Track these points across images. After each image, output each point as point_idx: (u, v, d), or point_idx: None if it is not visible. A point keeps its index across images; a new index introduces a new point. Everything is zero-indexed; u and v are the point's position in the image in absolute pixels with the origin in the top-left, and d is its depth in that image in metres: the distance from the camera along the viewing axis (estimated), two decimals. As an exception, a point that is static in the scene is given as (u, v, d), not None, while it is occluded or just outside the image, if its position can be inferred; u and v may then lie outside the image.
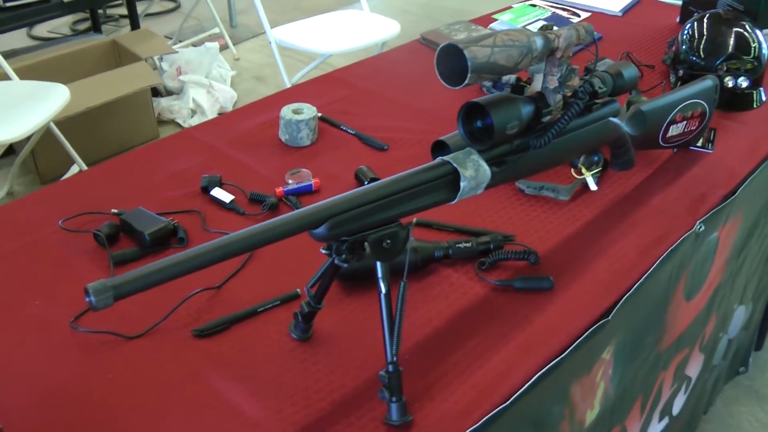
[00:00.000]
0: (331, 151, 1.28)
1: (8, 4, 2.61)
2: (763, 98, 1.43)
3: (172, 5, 4.59)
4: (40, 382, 0.83)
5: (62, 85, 2.32)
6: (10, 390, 0.81)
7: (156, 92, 3.27)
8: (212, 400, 0.80)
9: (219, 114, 3.21)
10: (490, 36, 0.75)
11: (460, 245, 0.99)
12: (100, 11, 4.04)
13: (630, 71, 0.97)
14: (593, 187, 1.12)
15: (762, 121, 1.38)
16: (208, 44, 3.47)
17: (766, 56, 1.41)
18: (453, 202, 0.81)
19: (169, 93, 3.35)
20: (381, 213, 0.74)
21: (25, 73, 2.60)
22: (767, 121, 1.38)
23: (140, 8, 3.85)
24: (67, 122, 2.55)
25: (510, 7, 1.93)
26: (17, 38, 3.79)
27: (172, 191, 1.16)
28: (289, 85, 2.68)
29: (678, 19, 1.84)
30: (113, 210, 1.09)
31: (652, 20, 1.86)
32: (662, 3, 1.99)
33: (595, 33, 1.72)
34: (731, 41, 1.39)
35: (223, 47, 3.87)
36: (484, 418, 0.77)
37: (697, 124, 1.20)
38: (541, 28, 0.83)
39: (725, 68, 1.38)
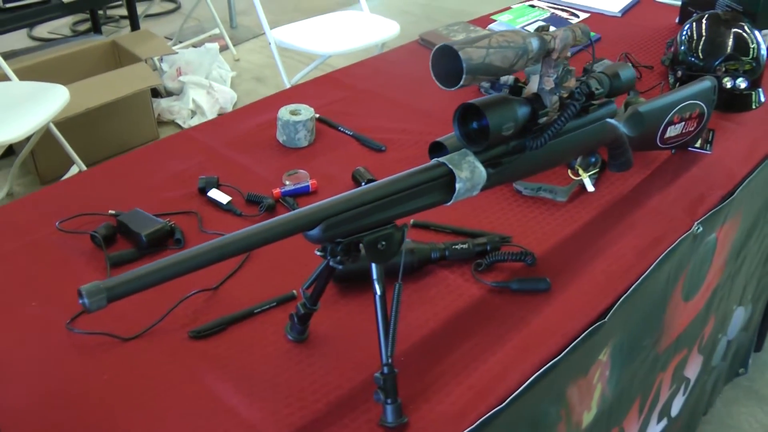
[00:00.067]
0: (329, 152, 1.28)
1: (8, 5, 2.61)
2: (762, 99, 1.42)
3: (172, 6, 4.59)
4: (37, 382, 0.83)
5: (62, 86, 2.32)
6: (7, 391, 0.81)
7: (156, 93, 3.27)
8: (208, 401, 0.80)
9: (219, 115, 3.21)
10: (486, 37, 0.75)
11: (456, 246, 0.99)
12: (100, 12, 4.04)
13: (627, 72, 0.97)
14: (590, 188, 1.11)
15: (760, 122, 1.38)
16: (208, 45, 3.47)
17: (764, 57, 1.41)
18: (448, 204, 0.81)
19: (169, 94, 3.35)
20: (376, 215, 0.73)
21: (24, 74, 2.60)
22: (766, 122, 1.38)
23: (140, 9, 3.85)
24: (66, 123, 2.56)
25: (509, 8, 1.93)
26: (18, 39, 3.79)
27: (169, 192, 1.16)
28: (288, 86, 2.68)
29: (677, 20, 1.84)
30: (110, 211, 1.09)
31: (651, 21, 1.86)
32: (661, 3, 1.99)
33: (593, 34, 1.72)
34: (730, 42, 1.39)
35: (223, 48, 3.87)
36: (480, 420, 0.77)
37: (695, 125, 1.20)
38: (537, 30, 0.83)
39: (724, 69, 1.38)
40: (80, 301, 0.58)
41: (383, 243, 0.74)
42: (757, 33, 1.41)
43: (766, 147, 1.30)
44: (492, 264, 0.99)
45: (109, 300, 0.59)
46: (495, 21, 1.84)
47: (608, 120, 1.01)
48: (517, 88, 0.90)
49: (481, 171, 0.81)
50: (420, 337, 0.89)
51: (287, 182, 1.16)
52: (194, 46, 3.68)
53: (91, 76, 2.83)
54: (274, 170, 1.21)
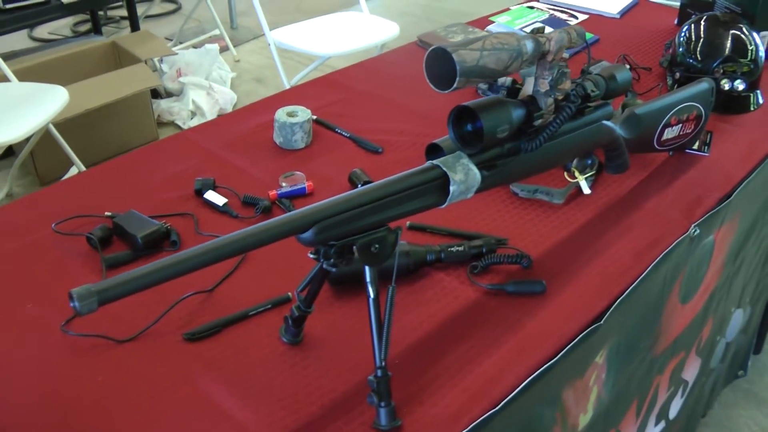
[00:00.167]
0: (326, 153, 1.28)
1: (8, 6, 2.61)
2: (761, 101, 1.42)
3: (172, 7, 4.59)
4: (32, 384, 0.83)
5: (61, 87, 2.32)
6: (2, 392, 0.81)
7: (156, 94, 3.27)
8: (202, 403, 0.80)
9: (219, 116, 3.21)
10: (480, 39, 0.75)
11: (452, 249, 0.98)
12: (101, 13, 4.05)
13: (623, 74, 0.97)
14: (586, 190, 1.11)
15: (759, 124, 1.37)
16: (208, 46, 3.48)
17: (762, 59, 1.41)
18: (443, 206, 0.81)
19: (169, 95, 3.35)
20: (369, 217, 0.73)
21: (24, 75, 2.60)
22: (764, 123, 1.38)
23: (140, 10, 3.85)
24: (66, 124, 2.56)
25: (508, 9, 1.93)
26: (18, 40, 3.80)
27: (166, 194, 1.16)
28: (288, 87, 2.68)
29: (676, 21, 1.83)
30: (107, 213, 1.09)
31: (649, 22, 1.86)
32: (660, 5, 1.99)
33: (591, 35, 1.72)
34: (728, 44, 1.39)
35: (224, 49, 3.87)
36: (474, 423, 0.77)
37: (692, 127, 1.20)
38: (532, 32, 0.83)
39: (722, 71, 1.37)
40: (71, 305, 0.58)
41: (377, 246, 0.74)
42: (755, 35, 1.41)
43: (764, 149, 1.30)
44: (488, 266, 0.99)
45: (100, 303, 0.59)
46: (493, 22, 1.84)
47: (604, 122, 1.01)
48: (514, 90, 0.90)
49: (476, 173, 0.81)
50: (415, 339, 0.89)
51: (284, 184, 1.16)
52: (194, 46, 3.68)
53: (91, 76, 2.83)
54: (270, 172, 1.21)
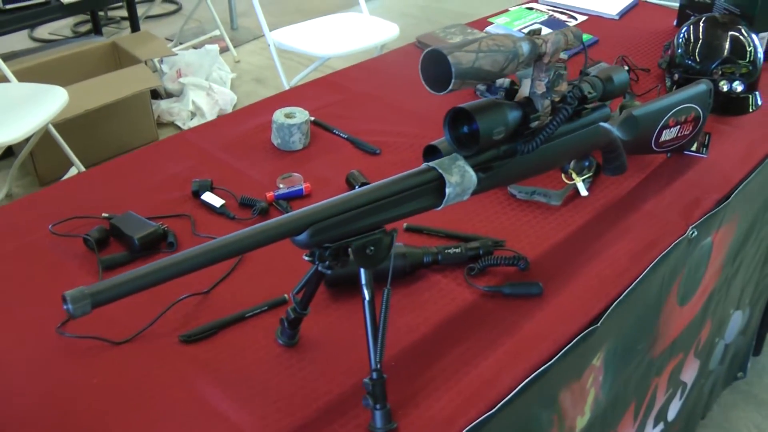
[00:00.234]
0: (324, 155, 1.28)
1: (8, 6, 2.61)
2: (759, 102, 1.42)
3: (173, 7, 4.60)
4: (28, 386, 0.82)
5: (60, 88, 2.32)
6: (-4, 394, 0.81)
7: (156, 94, 3.27)
8: (198, 405, 0.80)
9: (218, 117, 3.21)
10: (475, 41, 0.75)
11: (449, 251, 0.98)
12: (101, 13, 4.05)
13: (620, 76, 0.97)
14: (583, 192, 1.11)
15: (757, 126, 1.37)
16: (208, 47, 3.48)
17: (761, 60, 1.41)
18: (438, 209, 0.81)
19: (169, 95, 3.35)
20: (364, 220, 0.73)
21: (24, 75, 2.60)
22: (762, 125, 1.38)
23: (141, 10, 3.86)
24: (66, 124, 2.56)
25: (507, 10, 1.93)
26: (18, 40, 3.80)
27: (163, 195, 1.16)
28: (287, 88, 2.68)
29: (675, 23, 1.83)
30: (104, 214, 1.09)
31: (649, 23, 1.86)
32: (659, 6, 1.99)
33: (590, 36, 1.72)
34: (726, 45, 1.38)
35: (224, 49, 3.87)
36: (470, 426, 0.77)
37: (690, 128, 1.19)
38: (529, 33, 0.83)
39: (720, 72, 1.37)
40: (64, 307, 0.58)
41: (372, 248, 0.74)
42: (754, 36, 1.41)
43: (762, 150, 1.30)
44: (485, 268, 0.99)
45: (93, 306, 0.59)
46: (492, 24, 1.84)
47: (602, 124, 1.01)
48: (512, 91, 0.89)
49: (472, 175, 0.81)
50: (411, 341, 0.89)
51: (281, 185, 1.16)
52: (195, 47, 3.68)
53: (90, 77, 2.83)
54: (268, 173, 1.21)
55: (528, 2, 2.01)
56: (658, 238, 1.06)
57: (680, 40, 1.46)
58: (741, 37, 1.39)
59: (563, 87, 0.87)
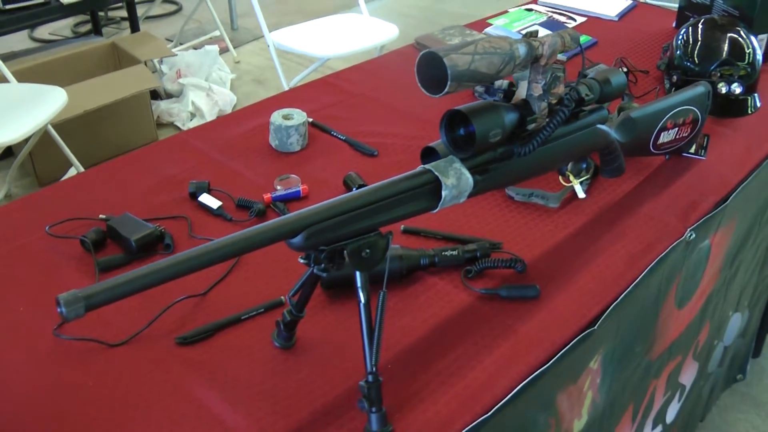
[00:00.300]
0: (321, 156, 1.28)
1: (8, 7, 2.62)
2: (758, 104, 1.42)
3: (173, 8, 4.60)
4: (23, 388, 0.82)
5: (60, 88, 2.32)
6: (-8, 396, 0.81)
7: (155, 95, 3.27)
8: (193, 408, 0.80)
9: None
10: (471, 43, 0.75)
11: (446, 253, 0.98)
12: (101, 14, 4.05)
13: (618, 78, 0.96)
14: (581, 194, 1.11)
15: (756, 128, 1.37)
16: (207, 47, 3.48)
17: (760, 62, 1.40)
18: (434, 211, 0.81)
19: (169, 96, 3.35)
20: (359, 222, 0.73)
21: (23, 76, 2.60)
22: (761, 127, 1.37)
23: (141, 11, 3.86)
24: (65, 125, 2.56)
25: (506, 12, 1.93)
26: (19, 40, 3.80)
27: (161, 196, 1.16)
28: (287, 89, 2.68)
29: (674, 24, 1.83)
30: (101, 215, 1.09)
31: (648, 25, 1.85)
32: (658, 8, 1.99)
33: (588, 38, 1.72)
34: (725, 47, 1.38)
35: (224, 50, 3.87)
36: (466, 429, 0.77)
37: (689, 130, 1.19)
38: (526, 35, 0.83)
39: (719, 74, 1.37)
40: (58, 310, 0.58)
41: (367, 251, 0.74)
42: (753, 38, 1.40)
43: (761, 152, 1.30)
44: (482, 271, 0.98)
45: (87, 309, 0.59)
46: (491, 25, 1.84)
47: (599, 126, 1.00)
48: (511, 93, 0.89)
49: (468, 178, 0.81)
50: (407, 344, 0.89)
51: (278, 187, 1.16)
52: (195, 47, 3.68)
53: (90, 77, 2.84)
54: (265, 175, 1.21)
55: (527, 3, 2.01)
56: (656, 241, 1.06)
57: (679, 42, 1.45)
58: (740, 38, 1.39)
59: (560, 89, 0.87)
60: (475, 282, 0.97)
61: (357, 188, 1.14)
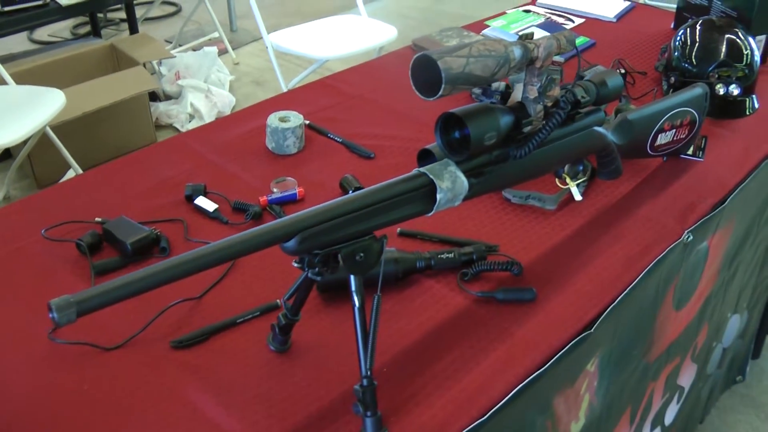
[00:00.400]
0: (318, 159, 1.27)
1: (7, 8, 2.61)
2: (756, 106, 1.41)
3: (172, 9, 4.60)
4: (18, 391, 0.82)
5: (58, 90, 2.32)
6: (-14, 401, 0.81)
7: (154, 96, 3.27)
8: (188, 411, 0.80)
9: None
10: (466, 46, 0.74)
11: (442, 256, 0.98)
12: (100, 15, 4.05)
13: (614, 80, 0.96)
14: (578, 197, 1.11)
15: (753, 129, 1.36)
16: (206, 49, 3.47)
17: (758, 64, 1.40)
18: (429, 214, 0.80)
19: (168, 97, 3.35)
20: (354, 226, 0.73)
21: (22, 78, 2.60)
22: (759, 128, 1.37)
23: (140, 12, 3.86)
24: (64, 127, 2.56)
25: (504, 13, 1.92)
26: (17, 42, 3.80)
27: (157, 199, 1.16)
28: (285, 90, 2.68)
29: (672, 25, 1.83)
30: (97, 219, 1.08)
31: (646, 26, 1.85)
32: (657, 9, 1.98)
33: (587, 39, 1.71)
34: (723, 48, 1.38)
35: (223, 51, 3.87)
36: (461, 433, 0.77)
37: (686, 132, 1.19)
38: (521, 37, 0.83)
39: (717, 75, 1.37)
40: (50, 316, 0.58)
41: (362, 254, 0.73)
42: (751, 39, 1.40)
43: (759, 154, 1.29)
44: (478, 273, 0.98)
45: (78, 314, 0.58)
46: (489, 27, 1.83)
47: (596, 128, 1.00)
48: (508, 95, 0.89)
49: (463, 181, 0.80)
50: (403, 347, 0.88)
51: (275, 190, 1.16)
52: (194, 49, 3.68)
53: (89, 79, 2.83)
54: (262, 177, 1.21)
55: (526, 5, 2.01)
56: (654, 243, 1.06)
57: (677, 43, 1.45)
58: (738, 40, 1.39)
59: (556, 92, 0.87)
60: (471, 285, 0.97)
61: (353, 191, 1.14)
